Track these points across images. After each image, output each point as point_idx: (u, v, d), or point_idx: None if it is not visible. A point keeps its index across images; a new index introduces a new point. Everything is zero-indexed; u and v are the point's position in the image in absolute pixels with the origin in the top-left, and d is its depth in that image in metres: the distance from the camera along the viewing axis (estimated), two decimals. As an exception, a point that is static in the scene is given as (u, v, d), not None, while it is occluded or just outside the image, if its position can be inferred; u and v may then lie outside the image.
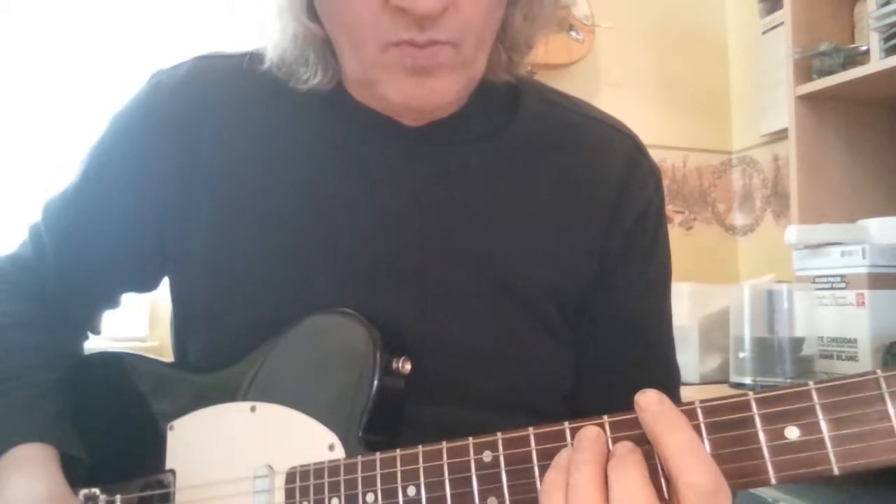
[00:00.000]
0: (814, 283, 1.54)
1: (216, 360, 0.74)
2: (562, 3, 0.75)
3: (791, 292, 1.49)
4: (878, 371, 0.47)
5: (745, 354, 1.49)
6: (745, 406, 0.49)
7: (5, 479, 0.69)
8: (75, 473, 0.72)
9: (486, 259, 0.73)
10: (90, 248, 0.79)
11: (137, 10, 1.87)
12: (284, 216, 0.73)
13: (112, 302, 0.86)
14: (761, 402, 0.49)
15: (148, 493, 0.74)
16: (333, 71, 0.73)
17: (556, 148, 0.76)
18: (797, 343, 1.46)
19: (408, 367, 0.67)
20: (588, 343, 0.78)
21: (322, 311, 0.70)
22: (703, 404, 0.50)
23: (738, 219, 2.38)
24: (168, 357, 0.84)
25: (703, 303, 1.68)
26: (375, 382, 0.66)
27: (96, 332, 0.88)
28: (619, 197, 0.76)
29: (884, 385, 0.46)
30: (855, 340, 1.45)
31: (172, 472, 0.73)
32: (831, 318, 1.50)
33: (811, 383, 0.48)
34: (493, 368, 0.73)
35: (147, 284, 0.83)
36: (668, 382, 0.81)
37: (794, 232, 1.59)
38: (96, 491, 0.74)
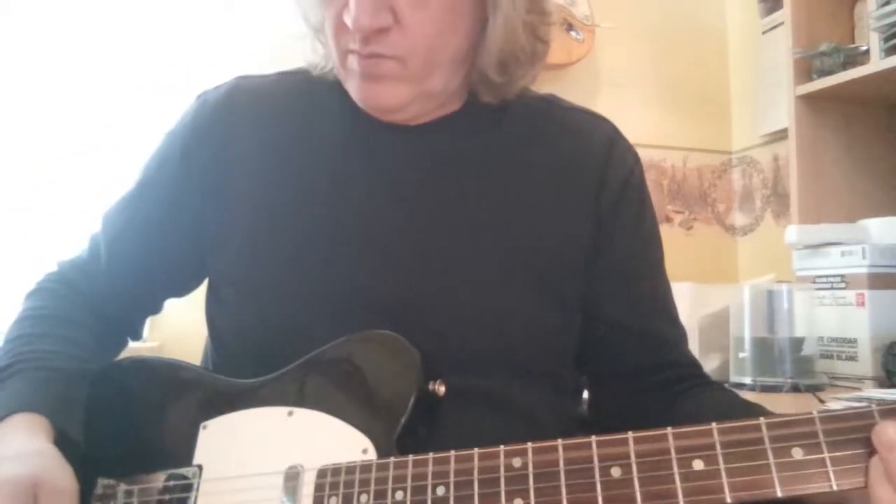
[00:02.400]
0: (814, 283, 1.54)
1: (254, 359, 0.78)
2: (541, 60, 0.84)
3: (791, 292, 1.49)
4: (873, 405, 0.53)
5: (745, 354, 1.49)
6: (756, 428, 0.56)
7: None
8: (69, 456, 0.72)
9: (495, 235, 0.81)
10: (139, 254, 0.89)
11: (137, 9, 1.87)
12: (315, 213, 0.82)
13: (155, 307, 0.95)
14: (770, 426, 0.55)
15: (172, 483, 0.75)
16: None
17: (544, 136, 0.87)
18: (797, 343, 1.46)
19: (442, 389, 0.72)
20: (601, 302, 0.86)
21: (368, 331, 0.75)
22: (718, 425, 0.57)
23: (738, 219, 2.38)
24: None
25: (703, 303, 1.68)
26: (412, 402, 0.70)
27: (137, 337, 0.96)
28: (603, 167, 0.86)
29: (878, 419, 0.53)
30: (855, 340, 1.45)
31: (199, 466, 0.75)
32: (831, 318, 1.50)
33: (815, 412, 0.54)
34: (507, 334, 0.80)
35: (186, 288, 0.93)
36: (677, 334, 0.91)
37: (794, 232, 1.59)
38: (113, 482, 0.76)
